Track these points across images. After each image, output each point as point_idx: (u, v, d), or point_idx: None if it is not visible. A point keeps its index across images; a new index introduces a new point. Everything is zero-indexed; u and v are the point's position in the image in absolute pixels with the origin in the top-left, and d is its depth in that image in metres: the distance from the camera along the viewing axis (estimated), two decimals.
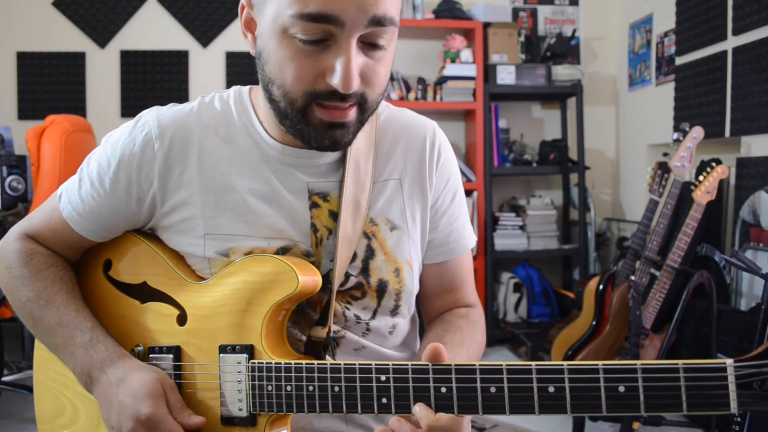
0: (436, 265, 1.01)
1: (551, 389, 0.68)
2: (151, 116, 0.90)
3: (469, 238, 1.02)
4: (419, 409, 0.72)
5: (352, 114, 0.81)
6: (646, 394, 0.65)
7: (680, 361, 0.64)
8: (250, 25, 0.85)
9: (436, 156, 0.98)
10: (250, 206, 0.88)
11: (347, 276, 0.91)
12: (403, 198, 0.95)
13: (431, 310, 1.04)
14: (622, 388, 0.65)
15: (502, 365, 0.70)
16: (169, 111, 0.91)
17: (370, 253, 0.92)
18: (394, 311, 0.95)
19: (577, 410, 0.68)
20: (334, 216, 0.90)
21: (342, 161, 0.92)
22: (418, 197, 0.96)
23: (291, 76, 0.78)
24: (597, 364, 0.66)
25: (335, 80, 0.76)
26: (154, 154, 0.88)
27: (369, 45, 0.78)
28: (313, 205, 0.90)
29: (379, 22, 0.76)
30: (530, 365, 0.69)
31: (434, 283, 1.02)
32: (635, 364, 0.65)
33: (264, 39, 0.80)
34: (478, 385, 0.71)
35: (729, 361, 0.62)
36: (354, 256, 0.91)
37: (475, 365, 0.71)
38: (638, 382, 0.65)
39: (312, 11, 0.73)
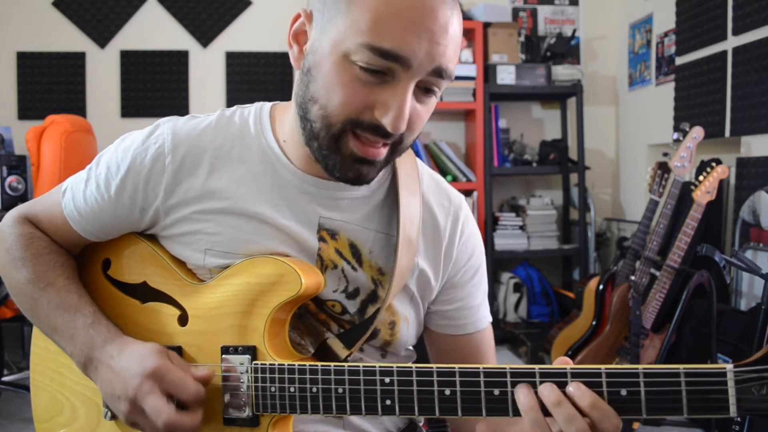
0: (453, 337, 0.98)
1: None
2: (168, 128, 0.88)
3: (483, 319, 0.99)
4: (575, 389, 0.67)
5: (383, 153, 0.80)
6: (648, 398, 0.65)
7: (681, 366, 0.65)
8: (299, 37, 0.82)
9: (460, 230, 0.95)
10: (254, 228, 0.87)
11: (344, 309, 0.90)
12: (417, 259, 0.92)
13: None
14: (624, 392, 0.66)
15: (505, 368, 0.70)
16: (186, 125, 0.89)
17: (372, 298, 0.91)
18: (380, 349, 0.94)
19: None
20: (340, 254, 0.89)
21: (367, 203, 0.90)
22: (430, 265, 0.93)
23: (338, 99, 0.76)
24: (600, 368, 0.67)
25: (387, 118, 0.75)
26: (164, 167, 0.87)
27: (423, 90, 0.78)
28: (321, 239, 0.89)
29: (440, 73, 0.76)
30: (533, 368, 0.69)
31: (452, 353, 0.98)
32: (637, 369, 0.66)
33: (317, 57, 0.78)
34: (482, 388, 0.71)
35: (729, 367, 0.63)
36: (356, 292, 0.90)
37: (478, 368, 0.71)
38: (640, 387, 0.66)
39: (384, 47, 0.72)
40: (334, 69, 0.75)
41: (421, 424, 1.05)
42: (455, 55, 0.78)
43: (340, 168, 0.80)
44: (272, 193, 0.87)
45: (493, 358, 1.01)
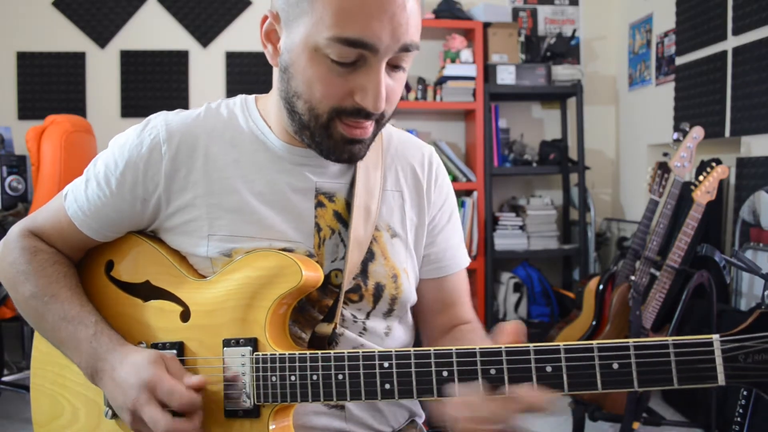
0: (435, 281, 1.04)
1: (549, 369, 0.71)
2: (160, 120, 0.93)
3: (464, 257, 1.06)
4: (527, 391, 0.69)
5: (370, 131, 0.86)
6: (639, 370, 0.67)
7: (670, 338, 0.67)
8: (271, 36, 0.87)
9: (434, 175, 1.03)
10: (253, 208, 0.90)
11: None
12: (404, 209, 0.99)
13: (434, 328, 1.05)
14: (615, 365, 0.68)
15: (501, 348, 0.73)
16: (177, 116, 0.94)
17: (370, 255, 0.94)
18: (387, 314, 0.96)
19: (573, 388, 0.70)
20: (339, 217, 0.93)
21: (351, 165, 0.95)
22: (417, 211, 1.01)
23: (319, 93, 0.81)
24: (591, 344, 0.69)
25: (367, 101, 0.80)
26: (161, 156, 0.90)
27: (392, 66, 0.83)
28: (319, 205, 0.93)
29: (407, 48, 0.81)
30: (528, 347, 0.72)
31: (433, 298, 1.04)
32: (627, 342, 0.68)
33: (293, 55, 0.83)
34: (479, 367, 0.73)
35: (715, 337, 0.65)
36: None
37: (475, 349, 0.74)
38: (631, 359, 0.68)
39: (350, 37, 0.77)
40: (309, 65, 0.80)
41: (422, 422, 1.05)
42: (417, 26, 0.83)
43: (334, 151, 0.86)
44: (266, 169, 0.92)
45: (469, 296, 1.08)
